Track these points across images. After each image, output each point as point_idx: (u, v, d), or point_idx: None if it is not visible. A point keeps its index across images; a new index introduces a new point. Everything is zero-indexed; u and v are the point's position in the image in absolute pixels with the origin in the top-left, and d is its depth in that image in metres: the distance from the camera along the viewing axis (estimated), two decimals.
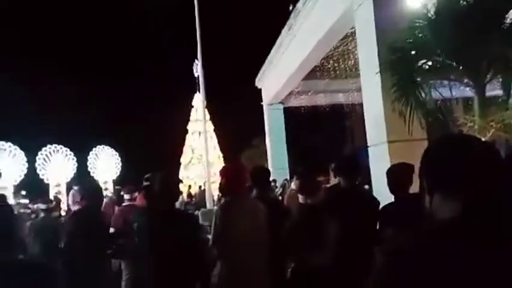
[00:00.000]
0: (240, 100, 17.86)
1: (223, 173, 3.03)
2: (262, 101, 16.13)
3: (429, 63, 5.50)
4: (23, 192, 12.19)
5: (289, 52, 12.17)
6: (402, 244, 0.95)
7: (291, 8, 11.01)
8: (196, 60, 15.50)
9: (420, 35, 5.48)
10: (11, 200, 12.39)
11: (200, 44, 12.09)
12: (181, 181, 3.51)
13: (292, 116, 15.46)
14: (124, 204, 6.24)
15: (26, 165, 14.44)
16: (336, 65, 11.73)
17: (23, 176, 14.51)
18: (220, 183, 3.06)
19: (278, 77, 13.64)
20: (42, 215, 5.66)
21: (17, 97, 15.67)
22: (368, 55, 6.89)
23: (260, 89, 16.43)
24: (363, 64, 7.32)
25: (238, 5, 17.69)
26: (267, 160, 15.68)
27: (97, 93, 18.20)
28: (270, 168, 14.56)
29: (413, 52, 5.61)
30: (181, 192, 9.95)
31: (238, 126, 17.46)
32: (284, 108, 15.47)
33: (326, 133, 18.27)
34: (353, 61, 10.57)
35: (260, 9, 16.52)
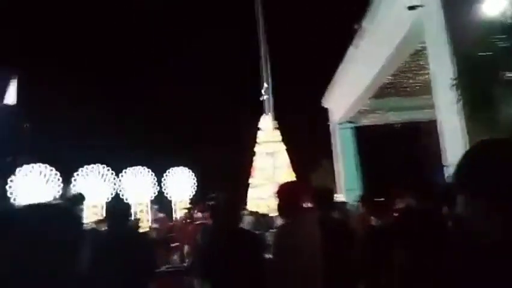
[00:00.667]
0: (309, 120, 17.82)
1: (279, 193, 3.01)
2: (328, 121, 15.95)
3: None
4: None
5: (356, 70, 11.96)
6: None
7: (356, 26, 10.89)
8: (265, 84, 15.87)
9: (500, 45, 5.08)
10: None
11: (265, 65, 12.41)
12: (245, 203, 3.57)
13: (363, 134, 15.01)
14: (196, 223, 6.54)
15: (113, 185, 15.81)
16: (408, 81, 11.26)
17: (110, 196, 15.89)
18: (278, 204, 3.04)
19: (346, 95, 13.42)
20: None
21: (103, 122, 17.29)
22: (440, 69, 6.55)
23: (327, 109, 16.29)
24: (436, 78, 6.96)
25: (303, 25, 17.93)
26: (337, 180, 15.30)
27: (171, 117, 19.40)
28: (340, 189, 14.20)
29: (492, 63, 5.20)
30: (254, 213, 10.10)
31: (308, 146, 17.39)
32: (354, 127, 15.10)
33: (399, 152, 17.40)
34: (426, 76, 10.07)
35: (326, 28, 16.57)
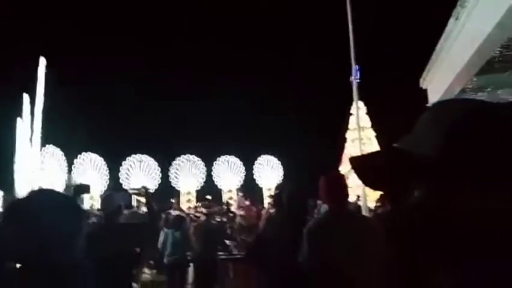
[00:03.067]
0: (403, 103, 16.59)
1: (321, 184, 2.70)
2: (427, 102, 14.53)
3: None
4: (208, 197, 14.11)
5: (458, 44, 10.63)
6: None
7: None
8: (354, 66, 15.11)
9: None
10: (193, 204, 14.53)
11: (353, 48, 11.71)
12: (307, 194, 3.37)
13: None
14: (270, 211, 6.50)
15: (205, 173, 16.78)
16: None
17: (202, 184, 16.92)
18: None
19: (446, 74, 12.06)
20: (203, 218, 6.32)
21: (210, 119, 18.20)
22: None
23: (425, 90, 14.87)
24: None
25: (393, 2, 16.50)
26: None
27: (255, 107, 19.57)
28: None
29: None
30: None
31: (401, 132, 16.22)
32: None
33: None
34: None
35: (419, 3, 15.00)
